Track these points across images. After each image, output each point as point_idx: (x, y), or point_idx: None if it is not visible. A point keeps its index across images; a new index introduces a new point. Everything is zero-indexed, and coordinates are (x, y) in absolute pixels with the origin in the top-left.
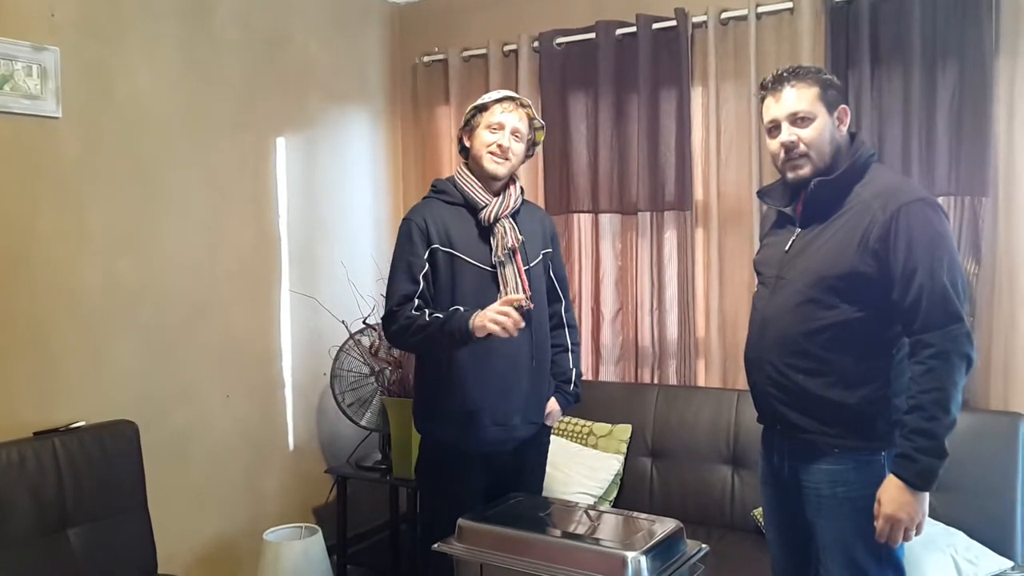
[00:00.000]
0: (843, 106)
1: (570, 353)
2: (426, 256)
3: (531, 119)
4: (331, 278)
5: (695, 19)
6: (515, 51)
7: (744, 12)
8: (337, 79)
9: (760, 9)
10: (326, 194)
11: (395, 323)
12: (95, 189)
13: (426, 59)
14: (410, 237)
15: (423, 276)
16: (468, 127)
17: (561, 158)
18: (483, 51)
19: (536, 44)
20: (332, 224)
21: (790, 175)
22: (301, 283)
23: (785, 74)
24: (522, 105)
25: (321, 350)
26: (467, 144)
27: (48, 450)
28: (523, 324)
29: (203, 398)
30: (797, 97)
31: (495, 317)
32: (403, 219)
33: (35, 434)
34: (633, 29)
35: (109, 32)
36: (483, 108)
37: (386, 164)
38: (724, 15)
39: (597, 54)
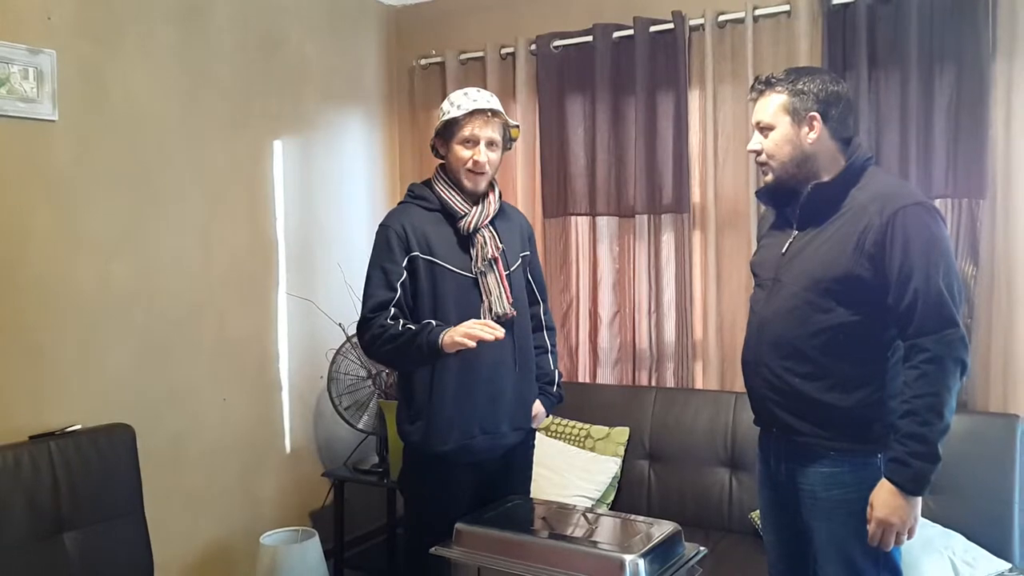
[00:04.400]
0: (812, 113)
1: (550, 355)
2: (404, 264)
3: (504, 124)
4: (328, 281)
5: (692, 22)
6: (512, 54)
7: (741, 15)
8: (333, 82)
9: (757, 12)
10: (323, 197)
11: (368, 331)
12: (91, 192)
13: (423, 62)
14: (388, 243)
15: (400, 284)
16: (441, 137)
17: (558, 161)
18: (480, 54)
19: (533, 47)
20: (329, 227)
21: (764, 178)
22: (298, 286)
23: (758, 83)
24: (494, 114)
25: (318, 353)
26: (441, 152)
27: (44, 454)
28: (501, 332)
29: (199, 401)
30: (762, 106)
31: (467, 332)
32: (380, 225)
33: (31, 438)
34: (630, 32)
35: (105, 35)
36: (455, 121)
37: (383, 167)
38: (721, 18)
39: (594, 57)
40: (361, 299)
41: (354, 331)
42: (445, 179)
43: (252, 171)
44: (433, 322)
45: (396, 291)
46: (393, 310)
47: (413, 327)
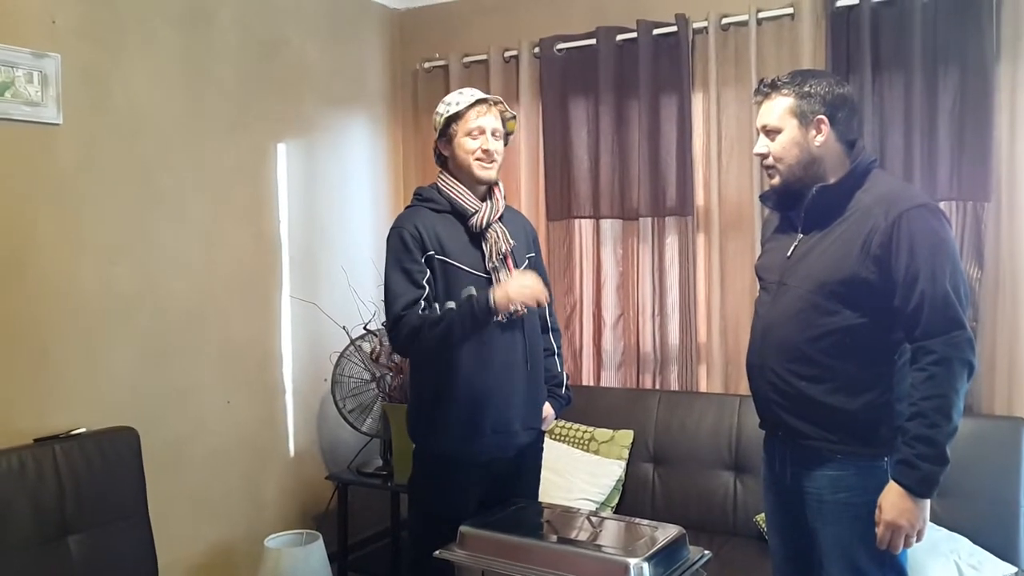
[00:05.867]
0: (819, 116)
1: (557, 357)
2: (423, 262)
3: (502, 113)
4: (332, 283)
5: (696, 25)
6: (516, 57)
7: (745, 18)
8: (337, 85)
9: (761, 15)
10: (327, 199)
11: (407, 326)
12: (95, 195)
13: (427, 65)
14: (405, 244)
15: (427, 281)
16: (444, 137)
17: (562, 164)
18: (484, 57)
19: (537, 50)
20: (333, 229)
21: (770, 182)
22: (301, 288)
23: (763, 86)
24: (494, 103)
25: (322, 356)
26: (444, 153)
27: (48, 457)
28: (545, 296)
29: (203, 404)
30: (768, 109)
31: (519, 290)
32: (392, 228)
33: (35, 441)
34: (634, 35)
35: (109, 39)
36: (457, 116)
37: (387, 170)
38: (725, 21)
39: (598, 60)
40: (384, 303)
41: (358, 334)
42: (452, 180)
43: (255, 174)
44: (473, 290)
45: (424, 288)
46: (424, 303)
47: (452, 305)
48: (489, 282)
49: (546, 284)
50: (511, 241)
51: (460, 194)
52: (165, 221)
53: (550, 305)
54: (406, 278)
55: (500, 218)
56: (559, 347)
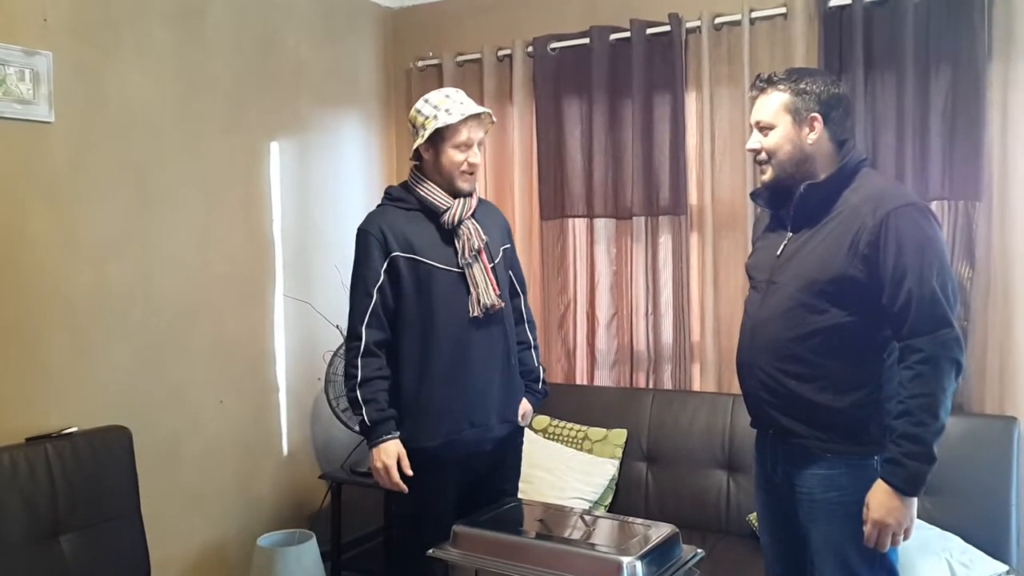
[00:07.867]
0: (813, 114)
1: (533, 351)
2: (384, 267)
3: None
4: (325, 282)
5: (689, 24)
6: (509, 56)
7: (738, 17)
8: (330, 83)
9: (754, 14)
10: (320, 198)
11: (349, 363)
12: (87, 193)
13: (420, 64)
14: (367, 247)
15: (378, 289)
16: (430, 141)
17: (556, 163)
18: (477, 56)
19: (530, 49)
20: (326, 228)
21: (761, 177)
22: (295, 287)
23: (759, 81)
24: (485, 115)
25: (315, 355)
26: (425, 156)
27: (40, 456)
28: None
29: (196, 403)
30: (762, 105)
31: (378, 473)
32: (358, 229)
33: (27, 440)
34: (627, 34)
35: (102, 36)
36: (448, 127)
37: (380, 168)
38: (718, 20)
39: (591, 59)
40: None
41: None
42: (424, 179)
43: (249, 173)
44: (385, 422)
45: (372, 296)
46: (378, 370)
47: (370, 412)
48: (462, 278)
49: (521, 275)
50: (484, 236)
51: (432, 193)
52: (158, 219)
53: (524, 296)
54: (361, 286)
55: (474, 213)
56: (535, 340)
